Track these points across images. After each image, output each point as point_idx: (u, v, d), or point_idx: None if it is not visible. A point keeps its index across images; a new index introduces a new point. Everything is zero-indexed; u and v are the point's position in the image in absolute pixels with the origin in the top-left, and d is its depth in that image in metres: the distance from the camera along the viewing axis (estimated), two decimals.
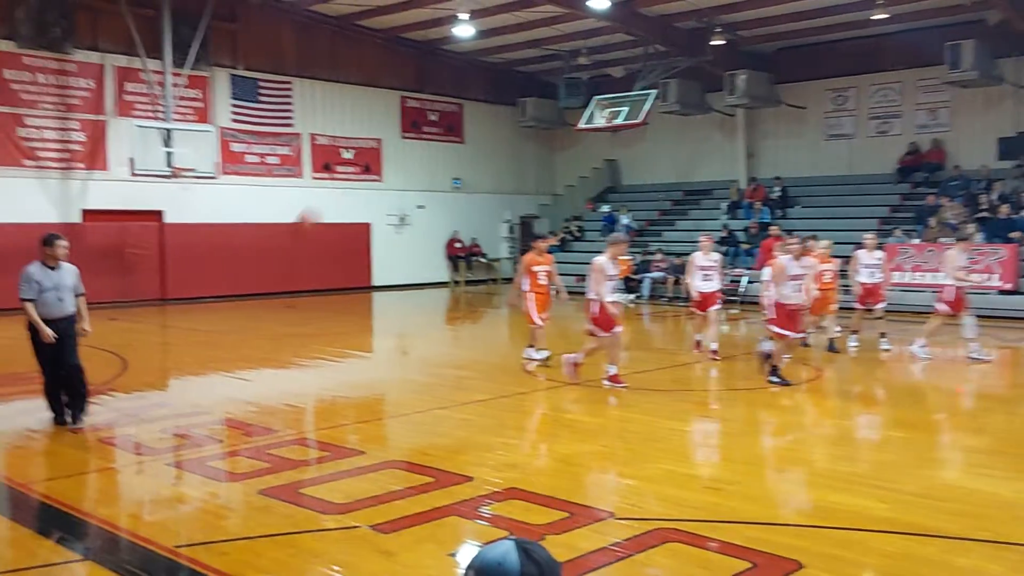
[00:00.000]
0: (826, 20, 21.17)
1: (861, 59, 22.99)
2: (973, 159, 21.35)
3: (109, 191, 20.66)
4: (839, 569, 4.86)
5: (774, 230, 17.85)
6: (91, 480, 7.06)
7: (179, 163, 20.16)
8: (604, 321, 10.06)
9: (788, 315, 10.32)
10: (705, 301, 12.44)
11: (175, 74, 20.71)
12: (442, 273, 27.33)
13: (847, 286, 13.94)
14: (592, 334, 10.23)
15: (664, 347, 15.54)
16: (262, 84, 23.20)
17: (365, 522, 5.58)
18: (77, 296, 8.35)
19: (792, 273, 10.35)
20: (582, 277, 22.30)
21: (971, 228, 17.68)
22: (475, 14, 21.59)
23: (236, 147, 22.78)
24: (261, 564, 5.04)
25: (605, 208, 26.87)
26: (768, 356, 10.45)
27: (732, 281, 19.95)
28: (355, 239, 25.07)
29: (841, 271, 13.65)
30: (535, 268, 11.89)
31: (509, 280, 26.90)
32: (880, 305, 13.27)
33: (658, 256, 22.70)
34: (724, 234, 22.32)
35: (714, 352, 12.33)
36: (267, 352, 13.85)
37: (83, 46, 20.33)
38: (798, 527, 5.56)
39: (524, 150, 29.68)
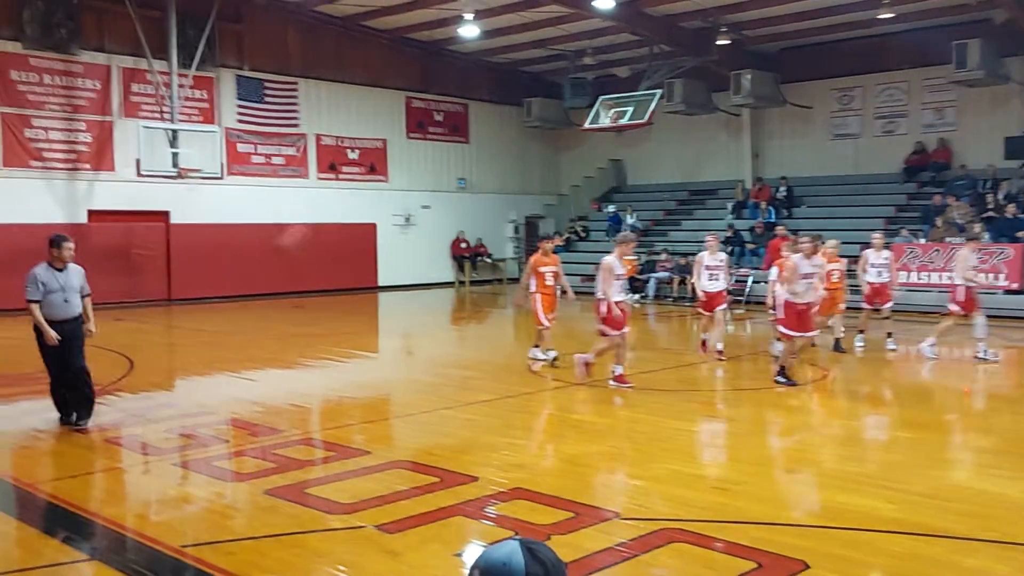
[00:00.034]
0: (832, 19, 21.12)
1: (867, 58, 22.93)
2: (979, 158, 21.28)
3: (115, 192, 20.71)
4: (846, 569, 4.85)
5: (780, 230, 17.80)
6: (97, 480, 7.08)
7: (185, 164, 20.20)
8: (613, 320, 10.06)
9: (798, 315, 10.26)
10: (711, 301, 12.41)
11: (181, 75, 20.74)
12: (447, 273, 27.34)
13: (854, 286, 13.90)
14: (603, 334, 10.21)
15: (670, 347, 15.52)
16: (268, 85, 23.23)
17: (371, 522, 5.58)
18: (83, 297, 8.36)
19: (804, 271, 10.30)
20: (588, 277, 22.44)
21: (977, 228, 17.62)
22: (480, 14, 21.59)
23: (242, 148, 22.82)
24: (267, 564, 5.04)
25: (610, 208, 26.84)
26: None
27: (738, 281, 19.91)
28: (361, 239, 25.09)
29: (848, 271, 13.62)
30: (542, 269, 11.88)
31: (515, 280, 26.96)
32: (887, 305, 13.23)
33: (663, 256, 22.68)
34: (729, 234, 22.28)
35: (720, 352, 12.31)
36: (273, 352, 13.87)
37: (89, 47, 20.38)
38: (804, 527, 5.55)
39: (529, 150, 29.67)
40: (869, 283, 13.14)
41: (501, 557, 1.78)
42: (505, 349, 15.58)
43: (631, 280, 20.82)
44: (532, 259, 12.16)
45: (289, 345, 14.60)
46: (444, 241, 27.18)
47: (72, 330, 8.18)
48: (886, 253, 13.42)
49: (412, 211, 26.25)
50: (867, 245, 13.64)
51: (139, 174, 20.27)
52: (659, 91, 22.75)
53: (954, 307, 12.15)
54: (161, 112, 20.76)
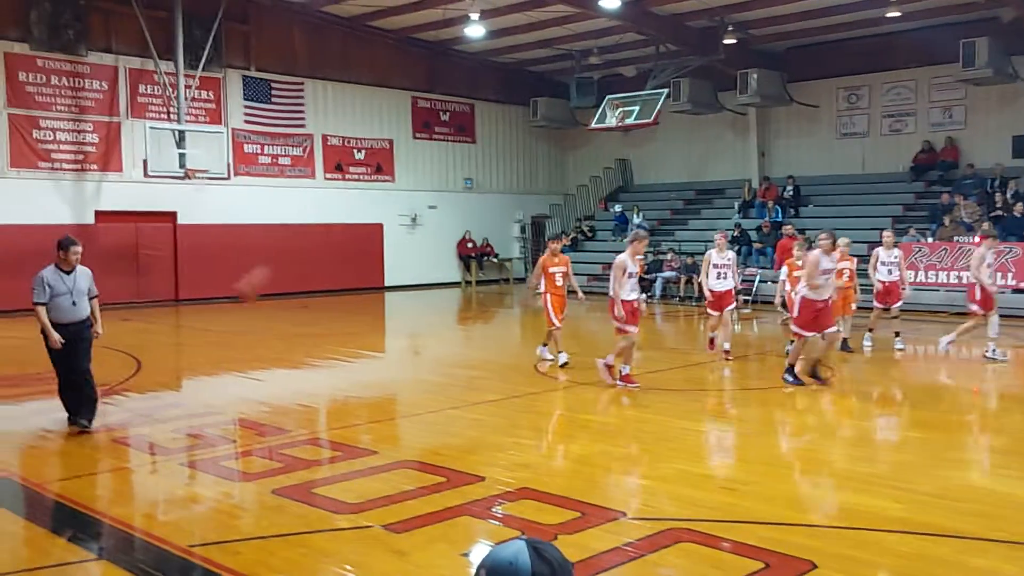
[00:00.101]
0: (839, 18, 21.06)
1: (874, 57, 22.86)
2: (987, 157, 21.21)
3: (123, 192, 20.77)
4: (853, 569, 4.83)
5: (788, 229, 17.78)
6: (105, 480, 7.09)
7: (192, 164, 20.25)
8: (627, 318, 10.04)
9: (815, 313, 10.13)
10: (720, 300, 12.36)
11: (188, 75, 20.80)
12: (454, 273, 27.35)
13: (865, 285, 13.84)
14: (621, 331, 10.17)
15: (677, 347, 15.50)
16: (274, 85, 23.27)
17: (377, 522, 5.58)
18: (91, 299, 8.35)
19: (824, 267, 10.21)
20: (594, 277, 22.47)
21: (986, 225, 17.54)
22: (486, 14, 21.58)
23: (249, 148, 22.86)
24: (274, 563, 5.05)
25: (617, 208, 26.81)
26: (818, 361, 10.28)
27: (745, 281, 19.88)
28: (367, 240, 25.12)
29: (859, 270, 13.56)
30: (551, 269, 11.83)
31: (521, 280, 27.00)
32: (897, 304, 13.18)
33: (670, 256, 22.65)
34: (736, 233, 22.25)
35: (727, 352, 12.29)
36: (280, 352, 13.89)
37: (97, 48, 20.45)
38: (812, 527, 5.54)
39: (536, 150, 29.67)
40: (880, 281, 13.08)
41: (507, 557, 1.78)
42: (511, 349, 15.58)
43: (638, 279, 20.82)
44: (541, 260, 12.13)
45: (296, 345, 14.63)
46: (450, 241, 27.19)
47: (79, 332, 8.17)
48: (896, 251, 13.34)
49: (418, 211, 26.27)
50: (876, 244, 13.57)
51: (146, 175, 20.32)
52: (665, 90, 22.73)
53: (974, 307, 12.05)
54: (168, 113, 20.81)
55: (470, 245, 27.42)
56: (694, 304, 20.45)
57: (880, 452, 7.89)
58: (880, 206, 21.97)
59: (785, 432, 8.80)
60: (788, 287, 12.18)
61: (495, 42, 24.57)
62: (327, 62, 24.10)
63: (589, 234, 27.00)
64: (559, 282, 11.82)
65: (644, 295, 21.31)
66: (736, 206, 24.65)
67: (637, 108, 22.67)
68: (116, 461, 7.64)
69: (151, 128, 20.01)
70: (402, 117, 26.04)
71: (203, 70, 21.18)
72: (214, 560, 5.07)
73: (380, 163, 25.61)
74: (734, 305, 12.73)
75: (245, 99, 22.77)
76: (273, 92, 23.25)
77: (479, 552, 5.15)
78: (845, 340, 12.89)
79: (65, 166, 20.11)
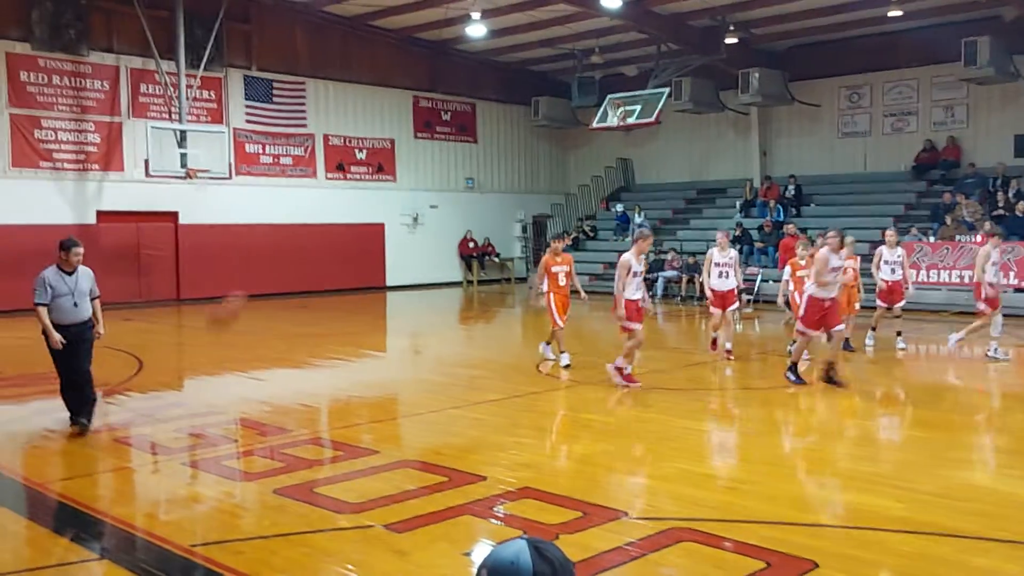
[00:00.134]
0: (840, 17, 21.05)
1: (876, 56, 22.83)
2: (989, 156, 21.19)
3: (124, 192, 20.78)
4: (854, 569, 4.83)
5: (790, 228, 17.78)
6: (107, 479, 7.10)
7: (193, 164, 20.26)
8: (631, 316, 10.03)
9: (823, 312, 10.09)
10: (724, 299, 12.32)
11: (189, 75, 20.80)
12: (455, 273, 27.35)
13: (868, 285, 13.82)
14: (627, 330, 10.16)
15: (678, 346, 15.49)
16: (276, 85, 23.28)
17: (379, 521, 5.58)
18: (92, 299, 8.35)
19: (833, 265, 10.18)
20: (595, 276, 22.46)
21: (988, 225, 17.52)
22: (487, 13, 21.58)
23: (250, 148, 22.87)
24: (276, 563, 5.05)
25: (618, 207, 26.80)
26: (831, 364, 10.26)
27: (746, 280, 19.86)
28: (369, 239, 25.12)
29: (862, 269, 13.53)
30: (554, 269, 11.78)
31: (522, 280, 26.99)
32: (899, 304, 13.16)
33: (671, 255, 22.64)
34: (738, 233, 22.23)
35: (728, 352, 12.27)
36: (281, 352, 13.90)
37: (98, 48, 20.46)
38: (813, 527, 5.53)
39: (537, 149, 29.67)
40: (884, 280, 13.04)
41: (509, 556, 1.78)
42: (513, 349, 15.58)
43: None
44: (544, 259, 12.08)
45: (297, 345, 14.63)
46: (452, 241, 27.19)
47: (80, 333, 8.16)
48: (899, 250, 13.29)
49: (420, 211, 26.27)
50: (878, 243, 13.55)
51: (148, 174, 20.33)
52: (667, 90, 22.71)
53: (982, 306, 12.02)
54: (169, 113, 20.82)
55: (471, 245, 27.42)
56: (695, 303, 20.44)
57: (882, 451, 7.89)
58: (882, 205, 21.95)
59: (787, 431, 8.80)
60: (791, 287, 12.17)
61: (496, 41, 24.57)
62: (328, 62, 24.10)
63: (591, 234, 26.98)
64: (562, 281, 11.77)
65: (649, 293, 21.40)
66: (738, 205, 24.63)
67: (639, 107, 22.66)
68: (118, 461, 7.64)
69: (152, 128, 20.02)
70: (403, 117, 26.04)
71: (204, 70, 21.18)
72: (216, 560, 5.07)
73: (381, 163, 25.61)
74: (737, 304, 12.71)
75: (246, 99, 22.78)
76: (274, 92, 23.26)
77: (480, 552, 5.15)
78: (847, 339, 12.87)
79: (67, 166, 20.13)
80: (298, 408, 9.59)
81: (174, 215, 21.66)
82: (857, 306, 12.93)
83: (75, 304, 8.12)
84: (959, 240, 18.59)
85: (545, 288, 11.84)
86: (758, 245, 22.13)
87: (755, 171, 25.34)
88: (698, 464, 7.28)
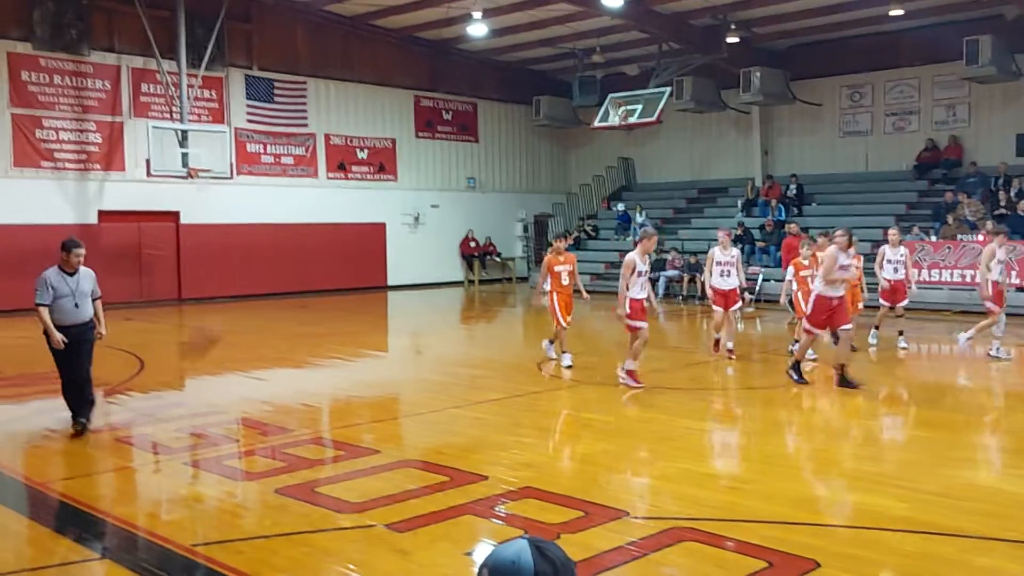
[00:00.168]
0: (842, 16, 21.02)
1: (877, 55, 22.82)
2: (991, 155, 21.17)
3: (125, 192, 20.78)
4: (856, 568, 4.82)
5: (792, 228, 17.74)
6: (108, 479, 7.10)
7: (195, 164, 20.24)
8: (635, 315, 10.00)
9: (830, 311, 10.05)
10: (726, 298, 12.29)
11: (190, 75, 20.79)
12: (456, 272, 27.35)
13: (871, 284, 13.80)
14: (632, 329, 10.14)
15: (680, 345, 15.48)
16: (277, 84, 23.28)
17: (380, 521, 5.58)
18: (94, 300, 8.34)
19: (842, 263, 10.16)
20: (597, 275, 22.44)
21: (990, 224, 17.51)
22: (488, 13, 21.57)
23: (251, 147, 22.87)
24: (277, 563, 5.05)
25: (620, 207, 26.79)
26: (843, 367, 10.22)
27: (748, 279, 19.85)
28: (370, 239, 25.12)
29: (865, 268, 13.51)
30: (557, 268, 11.72)
31: (524, 279, 26.99)
32: (902, 303, 13.13)
33: (672, 255, 22.64)
34: (740, 232, 22.22)
35: (730, 351, 12.26)
36: (282, 352, 13.89)
37: (99, 47, 20.46)
38: (815, 526, 5.52)
39: (538, 149, 29.66)
40: (887, 280, 13.01)
41: (510, 556, 1.77)
42: (514, 348, 15.58)
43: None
44: (546, 259, 12.02)
45: (299, 344, 14.63)
46: (453, 240, 27.19)
47: (82, 334, 8.15)
48: (902, 249, 13.25)
49: (421, 210, 26.27)
50: (880, 242, 13.53)
51: (149, 174, 20.32)
52: (668, 89, 22.68)
53: (990, 304, 12.00)
54: (171, 112, 20.82)
55: (473, 244, 27.41)
56: (697, 303, 20.43)
57: (884, 451, 7.88)
58: (883, 204, 21.94)
59: (789, 431, 8.78)
60: (795, 286, 12.15)
61: (497, 41, 24.56)
62: (329, 61, 24.10)
63: (592, 233, 26.98)
64: (565, 281, 11.70)
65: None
66: (739, 205, 24.62)
67: (640, 107, 22.64)
68: (119, 460, 7.64)
69: (154, 127, 20.00)
70: (405, 116, 26.04)
71: (205, 69, 21.18)
72: (217, 559, 5.07)
73: (383, 162, 25.61)
74: (739, 304, 12.69)
75: (248, 98, 22.78)
76: (276, 91, 23.26)
77: (482, 551, 5.15)
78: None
79: (68, 166, 20.13)
80: (299, 408, 9.59)
81: (175, 215, 21.67)
82: (861, 305, 12.91)
83: (76, 305, 8.12)
84: (961, 239, 18.57)
85: (548, 288, 11.81)
86: (759, 244, 22.12)
87: (756, 170, 25.32)
88: (700, 464, 7.27)
